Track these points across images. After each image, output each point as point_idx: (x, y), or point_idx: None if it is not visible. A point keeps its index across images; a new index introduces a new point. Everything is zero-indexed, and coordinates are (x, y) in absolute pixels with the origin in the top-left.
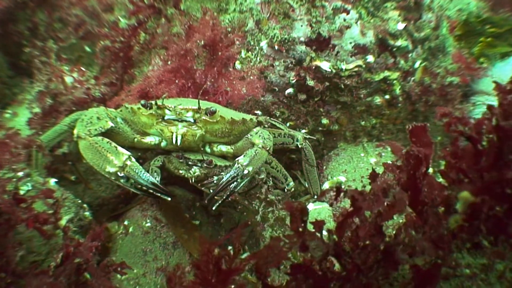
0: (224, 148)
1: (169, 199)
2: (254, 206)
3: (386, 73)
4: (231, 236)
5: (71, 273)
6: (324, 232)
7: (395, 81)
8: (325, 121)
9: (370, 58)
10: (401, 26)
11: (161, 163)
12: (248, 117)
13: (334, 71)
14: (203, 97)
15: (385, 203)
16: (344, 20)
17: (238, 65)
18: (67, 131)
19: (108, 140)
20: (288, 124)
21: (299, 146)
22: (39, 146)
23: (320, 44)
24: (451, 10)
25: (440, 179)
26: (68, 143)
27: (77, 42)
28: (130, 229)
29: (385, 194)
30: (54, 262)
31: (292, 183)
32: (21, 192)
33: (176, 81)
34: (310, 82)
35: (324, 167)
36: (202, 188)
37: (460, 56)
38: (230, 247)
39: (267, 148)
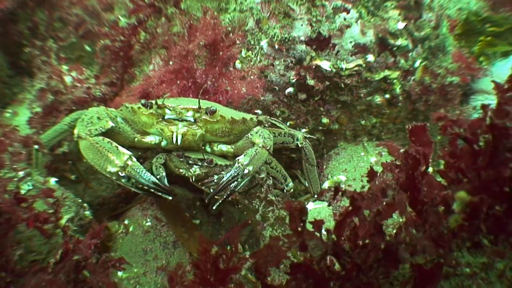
0: (224, 148)
1: (170, 198)
2: (254, 205)
3: (386, 72)
4: (230, 235)
5: (70, 270)
6: (324, 232)
7: (395, 81)
8: (325, 120)
9: (370, 57)
10: (401, 25)
11: (164, 160)
12: (248, 116)
13: (334, 70)
14: (203, 97)
15: (384, 203)
16: (344, 19)
17: (238, 65)
18: (67, 131)
19: (109, 140)
20: (288, 124)
21: (299, 146)
22: (35, 142)
23: (320, 43)
24: (451, 9)
25: (440, 179)
26: (68, 142)
27: (77, 41)
28: (131, 228)
29: (384, 194)
30: (53, 259)
31: (291, 184)
32: (22, 192)
33: (178, 81)
34: (310, 82)
35: (324, 166)
36: (203, 187)
37: (460, 55)
38: (229, 247)
39: (268, 148)
